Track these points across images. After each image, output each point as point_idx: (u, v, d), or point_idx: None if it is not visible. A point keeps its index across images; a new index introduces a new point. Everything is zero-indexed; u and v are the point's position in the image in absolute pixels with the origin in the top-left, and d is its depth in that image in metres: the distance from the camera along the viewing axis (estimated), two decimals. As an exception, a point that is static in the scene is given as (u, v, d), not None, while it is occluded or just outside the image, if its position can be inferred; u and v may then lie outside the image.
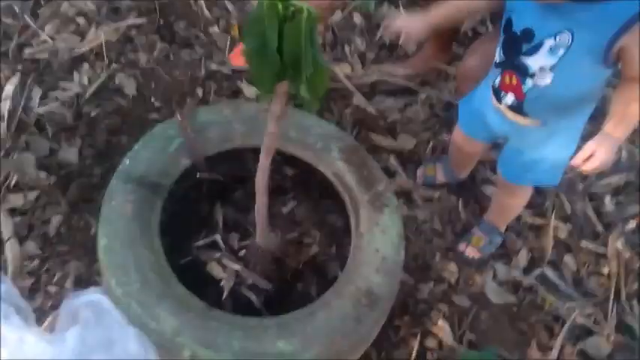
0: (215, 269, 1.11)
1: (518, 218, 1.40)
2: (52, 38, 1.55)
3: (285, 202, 1.26)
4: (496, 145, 1.30)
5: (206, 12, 1.68)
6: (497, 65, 1.04)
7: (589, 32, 0.89)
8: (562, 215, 1.44)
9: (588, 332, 1.26)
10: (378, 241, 1.07)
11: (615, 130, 0.93)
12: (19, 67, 1.48)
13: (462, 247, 1.34)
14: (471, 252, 1.33)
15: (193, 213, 1.21)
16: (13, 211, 1.25)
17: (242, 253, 1.13)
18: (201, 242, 1.16)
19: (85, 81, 1.48)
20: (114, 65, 1.52)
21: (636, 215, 1.44)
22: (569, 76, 0.95)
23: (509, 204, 1.31)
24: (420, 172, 1.46)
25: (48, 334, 0.92)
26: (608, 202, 1.46)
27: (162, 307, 0.94)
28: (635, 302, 1.31)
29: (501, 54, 1.02)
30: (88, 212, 1.28)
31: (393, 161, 1.47)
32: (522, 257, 1.36)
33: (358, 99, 1.54)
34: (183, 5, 1.68)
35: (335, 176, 1.16)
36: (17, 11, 1.59)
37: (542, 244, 1.38)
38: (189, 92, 1.50)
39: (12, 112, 1.38)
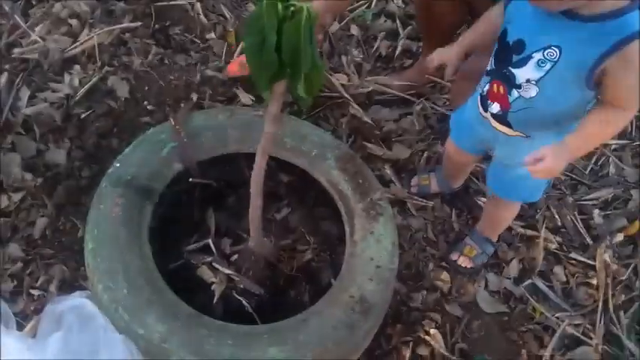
0: (206, 273, 1.09)
1: (510, 229, 1.41)
2: (42, 39, 1.53)
3: (280, 208, 1.26)
4: (488, 158, 1.32)
5: (202, 18, 1.68)
6: (487, 73, 1.06)
7: (577, 50, 0.91)
8: (552, 227, 1.45)
9: (577, 342, 1.27)
10: (372, 250, 1.06)
11: (573, 143, 0.95)
12: (7, 66, 1.45)
13: (454, 256, 1.35)
14: (463, 262, 1.34)
15: (185, 218, 1.20)
16: (-4, 213, 1.22)
17: (234, 258, 1.12)
18: (192, 246, 1.14)
19: (76, 82, 1.46)
20: (106, 68, 1.50)
21: (624, 228, 1.46)
22: (552, 91, 0.96)
23: (499, 216, 1.32)
24: (414, 181, 1.47)
25: (29, 339, 0.88)
26: (597, 216, 1.48)
27: (150, 313, 0.92)
28: (622, 313, 1.32)
29: (492, 63, 1.04)
30: (74, 215, 1.25)
31: (387, 170, 1.47)
32: (513, 267, 1.37)
33: (354, 109, 1.54)
34: (180, 11, 1.67)
35: (330, 184, 1.16)
36: (7, 10, 1.56)
37: (533, 255, 1.39)
38: (183, 97, 1.49)
39: (-1, 112, 1.35)
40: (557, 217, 1.47)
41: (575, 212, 1.48)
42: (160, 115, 1.44)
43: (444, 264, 1.35)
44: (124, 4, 1.64)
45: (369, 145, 1.50)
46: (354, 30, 1.78)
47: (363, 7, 1.85)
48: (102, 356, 0.85)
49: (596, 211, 1.48)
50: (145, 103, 1.47)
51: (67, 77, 1.47)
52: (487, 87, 1.05)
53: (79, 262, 1.14)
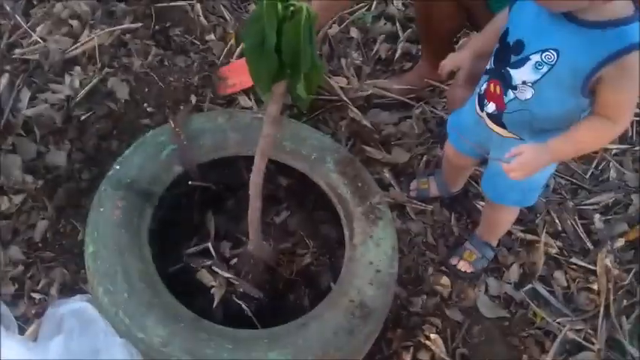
0: (205, 277, 1.09)
1: (510, 233, 1.41)
2: (43, 39, 1.53)
3: (279, 212, 1.25)
4: (486, 161, 1.31)
5: (203, 19, 1.68)
6: (486, 72, 1.06)
7: (575, 55, 0.90)
8: (553, 232, 1.45)
9: (579, 347, 1.27)
10: (371, 254, 1.06)
11: (556, 146, 0.95)
12: (8, 67, 1.45)
13: (454, 261, 1.34)
14: (463, 266, 1.33)
15: (184, 221, 1.20)
16: (-4, 215, 1.22)
17: (233, 261, 1.11)
18: (192, 249, 1.14)
19: (77, 84, 1.46)
20: (106, 69, 1.50)
21: (625, 233, 1.46)
22: (548, 95, 0.95)
23: (498, 220, 1.32)
24: (413, 185, 1.47)
25: (31, 343, 0.88)
26: (598, 220, 1.48)
27: (151, 317, 0.92)
28: (623, 318, 1.32)
29: (492, 62, 1.04)
30: (75, 218, 1.25)
31: (386, 174, 1.47)
32: (514, 272, 1.36)
33: (353, 112, 1.54)
34: (180, 12, 1.67)
35: (329, 187, 1.16)
36: (8, 10, 1.56)
37: (533, 259, 1.39)
38: (183, 99, 1.48)
39: (-1, 113, 1.35)
40: (557, 221, 1.47)
41: (576, 217, 1.48)
42: (159, 117, 1.44)
43: (443, 268, 1.34)
44: (125, 5, 1.64)
45: (368, 148, 1.50)
46: (354, 32, 1.78)
47: (363, 10, 1.85)
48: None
49: (597, 216, 1.48)
50: (145, 105, 1.46)
51: (67, 78, 1.47)
52: (485, 86, 1.05)
53: (80, 265, 1.14)
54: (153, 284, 0.97)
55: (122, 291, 0.94)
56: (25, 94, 1.41)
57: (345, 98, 1.57)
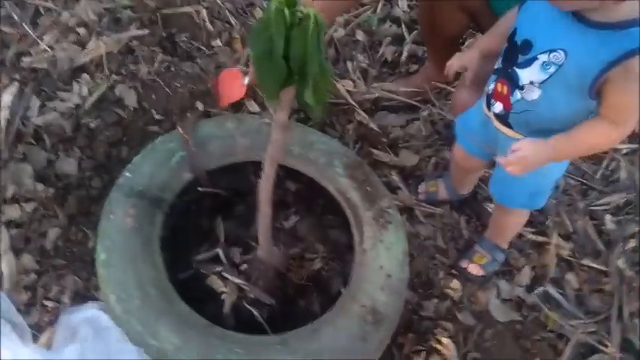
0: (216, 283, 1.09)
1: (520, 235, 1.40)
2: (51, 48, 1.54)
3: (288, 216, 1.25)
4: (494, 163, 1.31)
5: (209, 25, 1.68)
6: (494, 72, 1.05)
7: (583, 56, 0.89)
8: (564, 233, 1.44)
9: (593, 350, 1.26)
10: (382, 258, 1.06)
11: (558, 144, 0.94)
12: (17, 76, 1.46)
13: (464, 264, 1.34)
14: (473, 269, 1.33)
15: (194, 227, 1.20)
16: (9, 224, 1.22)
17: (244, 267, 1.11)
18: (202, 256, 1.14)
19: (85, 92, 1.47)
20: (114, 76, 1.51)
21: (636, 234, 1.45)
22: (554, 96, 0.95)
23: (507, 222, 1.31)
24: (421, 188, 1.46)
25: (45, 351, 0.89)
26: (609, 221, 1.46)
27: (163, 324, 0.92)
28: (637, 320, 1.30)
29: (500, 61, 1.03)
30: (86, 225, 1.25)
31: (394, 177, 1.47)
32: (525, 275, 1.35)
33: (360, 115, 1.54)
34: (186, 18, 1.68)
35: (338, 192, 1.15)
36: (16, 19, 1.58)
37: (545, 261, 1.38)
38: (190, 105, 1.49)
39: (9, 122, 1.36)
40: (568, 222, 1.45)
41: (587, 218, 1.47)
42: (168, 124, 1.44)
43: (454, 272, 1.33)
44: (131, 11, 1.65)
45: (375, 151, 1.50)
46: (360, 35, 1.78)
47: (369, 12, 1.84)
48: (116, 368, 0.85)
49: (608, 217, 1.47)
50: (153, 111, 1.47)
51: (75, 86, 1.48)
52: (492, 85, 1.04)
53: (91, 272, 1.15)
54: (165, 291, 0.97)
55: (134, 298, 0.94)
56: (35, 103, 1.42)
57: (351, 101, 1.56)
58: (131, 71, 1.53)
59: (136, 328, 0.91)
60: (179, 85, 1.52)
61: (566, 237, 1.44)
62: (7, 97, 1.40)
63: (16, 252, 1.19)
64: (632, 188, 1.54)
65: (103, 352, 0.86)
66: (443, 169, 1.50)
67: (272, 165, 0.93)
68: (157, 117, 1.46)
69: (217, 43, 1.66)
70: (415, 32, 1.79)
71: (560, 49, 0.91)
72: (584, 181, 1.56)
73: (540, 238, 1.41)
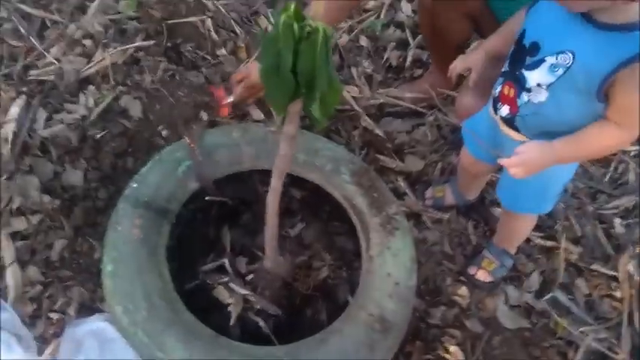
0: (222, 294, 1.09)
1: (528, 240, 1.39)
2: (57, 60, 1.55)
3: (294, 224, 1.25)
4: (502, 168, 1.30)
5: (213, 34, 1.69)
6: (501, 75, 1.04)
7: (591, 58, 0.89)
8: (572, 238, 1.42)
9: (603, 357, 1.24)
10: (389, 265, 1.05)
11: (562, 147, 0.94)
12: (25, 88, 1.48)
13: (472, 270, 1.33)
14: (482, 275, 1.31)
15: (200, 236, 1.20)
16: (15, 235, 1.22)
17: (250, 277, 1.11)
18: (208, 266, 1.14)
19: (91, 103, 1.48)
20: (120, 87, 1.52)
21: (646, 237, 1.43)
22: (562, 98, 0.94)
23: (515, 227, 1.30)
24: (428, 194, 1.45)
25: (51, 365, 0.89)
26: (618, 225, 1.45)
27: (170, 335, 0.92)
28: (648, 326, 1.29)
29: (507, 64, 1.02)
30: (92, 237, 1.25)
31: (401, 183, 1.46)
32: (534, 280, 1.34)
33: (366, 121, 1.54)
34: (191, 27, 1.69)
35: (345, 199, 1.15)
36: (23, 32, 1.59)
37: (554, 266, 1.36)
38: (195, 114, 1.49)
39: (16, 135, 1.37)
40: (576, 227, 1.44)
41: (596, 222, 1.45)
42: (173, 134, 1.44)
43: (462, 278, 1.32)
44: (137, 22, 1.66)
45: (381, 157, 1.49)
46: (364, 41, 1.78)
47: (372, 18, 1.85)
48: (122, 381, 0.85)
49: (618, 220, 1.45)
50: (159, 122, 1.48)
51: (82, 98, 1.49)
52: (499, 88, 1.04)
53: (97, 283, 1.15)
54: (172, 302, 0.97)
55: (141, 309, 0.94)
56: (42, 115, 1.43)
57: (357, 107, 1.56)
58: (136, 82, 1.54)
59: (143, 339, 0.91)
60: (183, 95, 1.53)
61: (575, 241, 1.42)
62: (15, 110, 1.41)
63: (22, 264, 1.19)
64: (642, 191, 1.53)
65: (110, 365, 0.85)
66: (449, 174, 1.49)
67: (279, 177, 0.93)
68: (163, 127, 1.46)
69: (222, 52, 1.67)
70: (419, 37, 1.79)
71: (568, 51, 0.90)
72: (593, 184, 1.54)
73: (549, 243, 1.40)
